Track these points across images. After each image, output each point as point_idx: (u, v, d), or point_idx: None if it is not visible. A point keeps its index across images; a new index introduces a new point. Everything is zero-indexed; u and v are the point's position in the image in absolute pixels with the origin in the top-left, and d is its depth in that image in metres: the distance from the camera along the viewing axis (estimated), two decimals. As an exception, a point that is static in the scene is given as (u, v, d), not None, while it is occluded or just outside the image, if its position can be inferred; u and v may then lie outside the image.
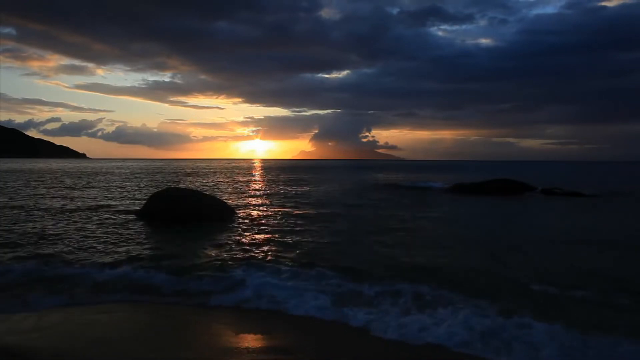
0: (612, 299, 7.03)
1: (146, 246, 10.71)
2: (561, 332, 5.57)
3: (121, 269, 8.47)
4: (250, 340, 5.36)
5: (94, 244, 10.92)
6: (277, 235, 12.22)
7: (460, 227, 14.86)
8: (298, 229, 13.40)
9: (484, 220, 16.89)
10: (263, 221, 14.89)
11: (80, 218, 15.36)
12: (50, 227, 13.42)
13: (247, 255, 9.64)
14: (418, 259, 9.64)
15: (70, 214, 16.26)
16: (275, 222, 14.72)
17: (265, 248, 10.45)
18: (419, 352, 5.17)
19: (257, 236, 12.06)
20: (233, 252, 9.81)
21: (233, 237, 11.75)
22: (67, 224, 13.97)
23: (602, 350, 5.14)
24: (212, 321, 6.03)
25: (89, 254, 9.88)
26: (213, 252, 9.91)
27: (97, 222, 14.42)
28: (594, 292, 7.29)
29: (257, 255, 9.62)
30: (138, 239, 11.59)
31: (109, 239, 11.59)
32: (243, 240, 11.49)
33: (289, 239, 11.52)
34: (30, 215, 15.97)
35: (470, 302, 6.62)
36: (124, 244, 10.98)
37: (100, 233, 12.47)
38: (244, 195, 25.97)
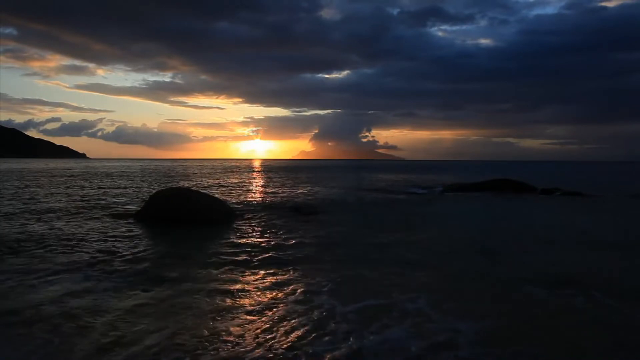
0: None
1: (127, 256, 10.43)
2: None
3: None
4: None
5: (68, 248, 10.81)
6: (275, 241, 11.92)
7: (460, 228, 14.82)
8: (297, 233, 13.06)
9: (485, 220, 16.83)
10: (262, 226, 14.60)
11: (76, 218, 15.32)
12: (39, 226, 13.40)
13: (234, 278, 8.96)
14: (416, 265, 9.60)
15: (66, 214, 16.23)
16: (274, 226, 14.54)
17: (262, 268, 9.18)
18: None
19: (254, 243, 11.76)
20: (221, 270, 8.84)
21: (228, 244, 11.49)
22: (59, 224, 13.93)
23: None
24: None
25: (61, 260, 9.85)
26: (202, 268, 9.41)
27: (92, 223, 14.39)
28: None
29: (249, 286, 8.34)
30: (124, 245, 11.22)
31: (89, 242, 11.54)
32: (238, 249, 11.07)
33: (286, 246, 11.17)
34: (24, 214, 15.93)
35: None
36: (106, 250, 10.72)
37: (88, 234, 12.46)
38: (244, 196, 25.93)
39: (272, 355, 5.02)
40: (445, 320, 6.12)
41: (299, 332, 5.65)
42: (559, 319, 6.29)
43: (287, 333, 5.64)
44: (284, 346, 5.26)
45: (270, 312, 6.39)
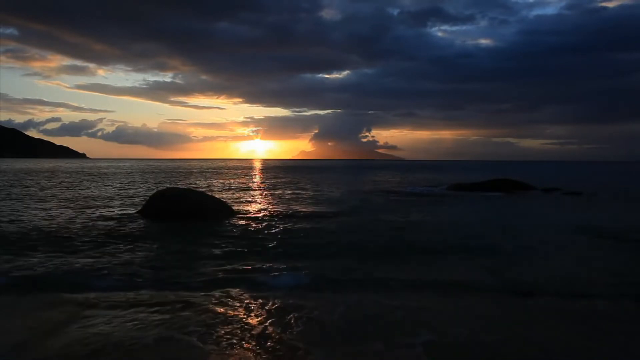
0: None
1: (125, 255, 10.51)
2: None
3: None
4: None
5: (66, 247, 10.81)
6: (270, 239, 11.91)
7: (467, 228, 14.76)
8: (292, 236, 12.80)
9: (491, 220, 16.77)
10: (261, 224, 14.54)
11: (78, 216, 15.29)
12: (43, 225, 13.36)
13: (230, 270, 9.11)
14: (415, 266, 9.58)
15: (68, 213, 16.21)
16: (272, 224, 14.48)
17: (258, 259, 9.79)
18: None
19: (249, 244, 11.51)
20: (217, 264, 9.12)
21: (226, 243, 11.43)
22: (60, 222, 13.89)
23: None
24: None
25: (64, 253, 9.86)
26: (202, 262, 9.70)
27: (92, 221, 14.35)
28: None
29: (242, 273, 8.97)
30: (127, 241, 11.29)
31: (88, 240, 11.53)
32: (235, 247, 11.03)
33: (280, 248, 10.89)
34: (25, 213, 15.91)
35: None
36: (108, 245, 10.85)
37: (89, 231, 12.43)
38: (243, 195, 25.92)
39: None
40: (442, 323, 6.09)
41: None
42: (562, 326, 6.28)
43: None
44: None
45: (254, 319, 6.33)
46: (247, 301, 6.76)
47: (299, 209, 18.68)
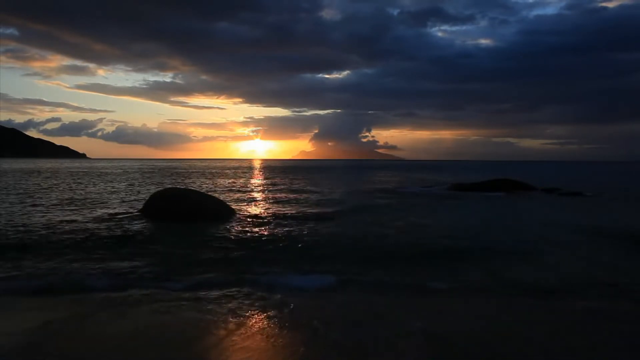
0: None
1: (130, 249, 10.56)
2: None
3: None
4: None
5: (68, 247, 10.83)
6: (271, 239, 11.93)
7: (462, 227, 14.75)
8: (293, 232, 13.01)
9: (486, 220, 16.77)
10: (261, 225, 14.52)
11: (76, 216, 15.28)
12: (43, 225, 13.35)
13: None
14: (423, 264, 9.58)
15: (66, 212, 16.20)
16: (272, 225, 14.46)
17: (255, 261, 9.70)
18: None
19: (252, 242, 11.67)
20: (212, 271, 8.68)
21: (226, 243, 11.46)
22: (60, 222, 13.88)
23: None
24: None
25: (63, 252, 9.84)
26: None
27: (92, 221, 14.34)
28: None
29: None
30: (127, 241, 11.33)
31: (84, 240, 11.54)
32: (235, 247, 11.07)
33: (283, 246, 11.03)
34: (25, 213, 15.90)
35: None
36: (108, 245, 10.87)
37: (89, 232, 12.42)
38: (244, 195, 25.91)
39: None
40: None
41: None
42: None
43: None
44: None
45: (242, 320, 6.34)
46: (248, 301, 6.76)
47: (299, 210, 18.67)
